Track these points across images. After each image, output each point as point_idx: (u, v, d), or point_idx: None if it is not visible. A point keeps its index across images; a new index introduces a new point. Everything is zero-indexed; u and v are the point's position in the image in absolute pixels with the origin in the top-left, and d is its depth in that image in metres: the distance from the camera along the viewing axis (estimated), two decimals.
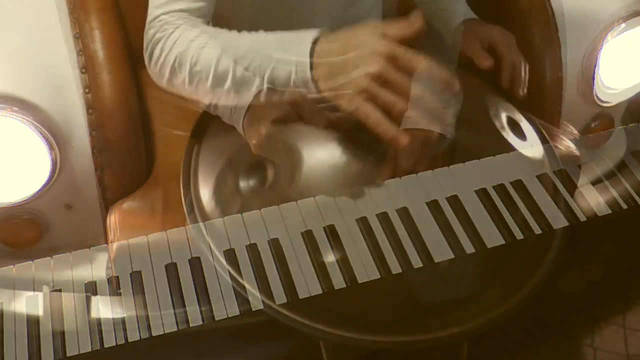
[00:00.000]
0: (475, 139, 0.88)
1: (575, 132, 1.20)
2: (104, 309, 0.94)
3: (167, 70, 0.85)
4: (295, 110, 0.84)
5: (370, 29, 0.74)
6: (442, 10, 1.09)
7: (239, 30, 0.85)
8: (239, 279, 0.77)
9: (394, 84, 0.71)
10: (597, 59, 1.13)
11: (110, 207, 0.99)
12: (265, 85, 0.80)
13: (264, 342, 1.31)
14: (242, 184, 0.83)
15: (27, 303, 0.88)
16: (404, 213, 0.78)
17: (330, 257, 0.75)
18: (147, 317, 0.87)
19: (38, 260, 0.80)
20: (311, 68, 0.75)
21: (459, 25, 1.04)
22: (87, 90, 0.98)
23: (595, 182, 1.19)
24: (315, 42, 0.75)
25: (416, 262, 0.74)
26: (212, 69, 0.82)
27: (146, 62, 0.89)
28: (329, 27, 0.78)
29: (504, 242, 0.78)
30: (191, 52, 0.83)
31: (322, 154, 0.82)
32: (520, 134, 0.93)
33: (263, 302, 0.76)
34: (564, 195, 0.89)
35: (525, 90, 1.00)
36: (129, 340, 0.76)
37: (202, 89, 0.84)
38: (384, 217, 0.77)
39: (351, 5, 1.00)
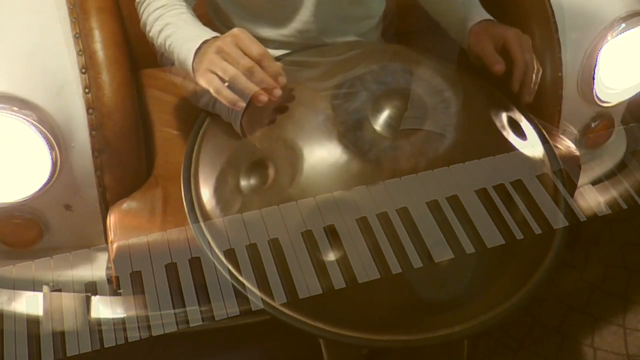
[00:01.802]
0: (475, 139, 0.88)
1: (575, 132, 1.20)
2: (104, 309, 0.94)
3: (144, 28, 0.99)
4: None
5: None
6: (454, 11, 1.07)
7: None
8: (239, 278, 0.77)
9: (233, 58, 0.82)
10: (597, 59, 1.14)
11: (110, 207, 0.99)
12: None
13: (264, 342, 1.31)
14: (243, 184, 0.83)
15: (27, 303, 0.88)
16: (404, 213, 0.77)
17: (330, 257, 0.75)
18: (147, 317, 0.87)
19: (38, 260, 0.79)
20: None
21: (472, 26, 1.02)
22: (87, 90, 0.98)
23: (595, 182, 1.19)
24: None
25: (416, 262, 0.74)
26: (155, 40, 0.95)
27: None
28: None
29: (504, 242, 0.77)
30: (149, 21, 0.96)
31: (322, 154, 0.82)
32: (520, 133, 0.93)
33: (263, 301, 0.76)
34: (564, 195, 0.89)
35: (532, 98, 0.97)
36: (129, 340, 0.76)
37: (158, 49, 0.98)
38: (384, 217, 0.77)
39: None
